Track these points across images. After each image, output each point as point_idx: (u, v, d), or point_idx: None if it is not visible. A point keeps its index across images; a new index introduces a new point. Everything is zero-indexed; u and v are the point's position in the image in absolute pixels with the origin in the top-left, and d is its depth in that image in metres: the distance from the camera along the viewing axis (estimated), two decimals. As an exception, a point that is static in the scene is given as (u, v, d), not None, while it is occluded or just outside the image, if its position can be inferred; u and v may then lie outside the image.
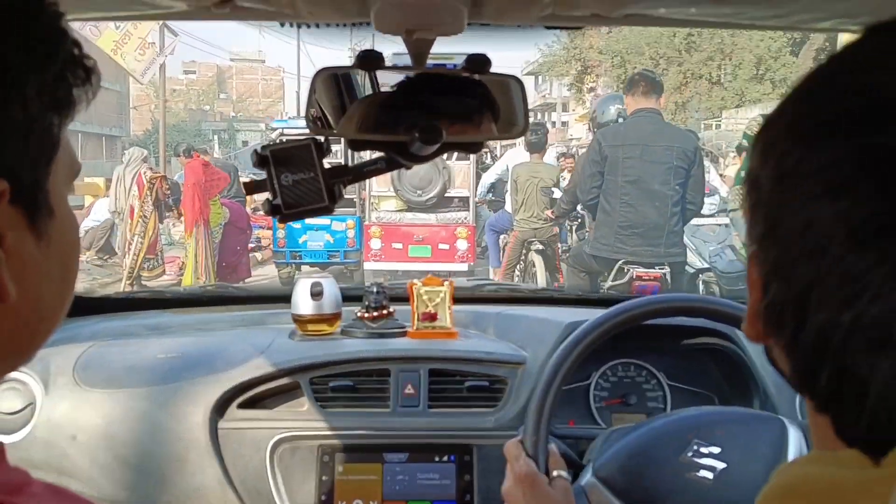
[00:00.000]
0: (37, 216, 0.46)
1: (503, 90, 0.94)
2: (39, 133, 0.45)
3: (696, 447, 0.96)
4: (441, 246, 7.28)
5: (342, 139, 0.97)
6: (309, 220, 7.21)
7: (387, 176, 7.18)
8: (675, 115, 16.98)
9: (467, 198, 7.54)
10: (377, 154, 0.93)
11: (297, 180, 0.85)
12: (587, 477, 1.02)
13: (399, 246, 7.31)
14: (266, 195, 0.86)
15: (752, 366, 1.26)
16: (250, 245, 8.81)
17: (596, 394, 1.36)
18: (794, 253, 0.42)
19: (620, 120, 4.14)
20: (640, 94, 3.71)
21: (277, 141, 0.86)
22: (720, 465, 0.94)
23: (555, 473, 0.97)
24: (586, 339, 1.04)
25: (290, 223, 8.71)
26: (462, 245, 7.25)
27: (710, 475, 0.95)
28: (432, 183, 7.32)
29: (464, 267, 7.31)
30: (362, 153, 0.96)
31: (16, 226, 0.44)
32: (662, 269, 3.62)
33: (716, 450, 0.95)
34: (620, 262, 3.66)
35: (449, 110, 0.91)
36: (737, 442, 0.94)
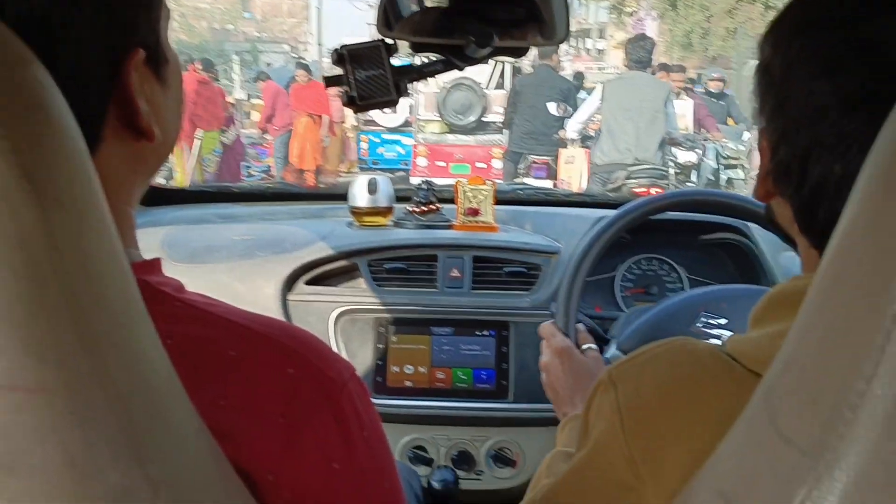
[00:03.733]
0: (160, 69, 0.57)
1: (546, 2, 1.06)
2: (156, 3, 0.56)
3: (705, 319, 1.11)
4: (478, 164, 7.93)
5: (406, 41, 1.09)
6: (385, 136, 9.26)
7: (432, 100, 8.33)
8: (725, 41, 16.05)
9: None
10: (436, 56, 1.06)
11: (369, 76, 0.99)
12: (612, 350, 1.18)
13: (442, 164, 8.07)
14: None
15: (762, 258, 1.40)
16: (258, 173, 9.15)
17: (621, 284, 1.51)
18: (799, 120, 0.55)
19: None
20: (541, 54, 6.11)
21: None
22: (726, 334, 1.09)
23: (584, 346, 1.13)
24: (611, 229, 1.18)
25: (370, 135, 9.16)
26: (496, 164, 7.79)
27: (718, 342, 1.10)
28: (472, 108, 8.22)
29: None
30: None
31: (149, 80, 0.56)
32: (548, 157, 6.07)
33: (723, 321, 1.10)
34: (524, 153, 6.16)
35: (499, 17, 1.03)
36: (740, 313, 1.09)
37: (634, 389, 0.58)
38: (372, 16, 1.02)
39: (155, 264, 0.57)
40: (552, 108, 5.99)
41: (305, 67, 8.94)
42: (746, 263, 1.45)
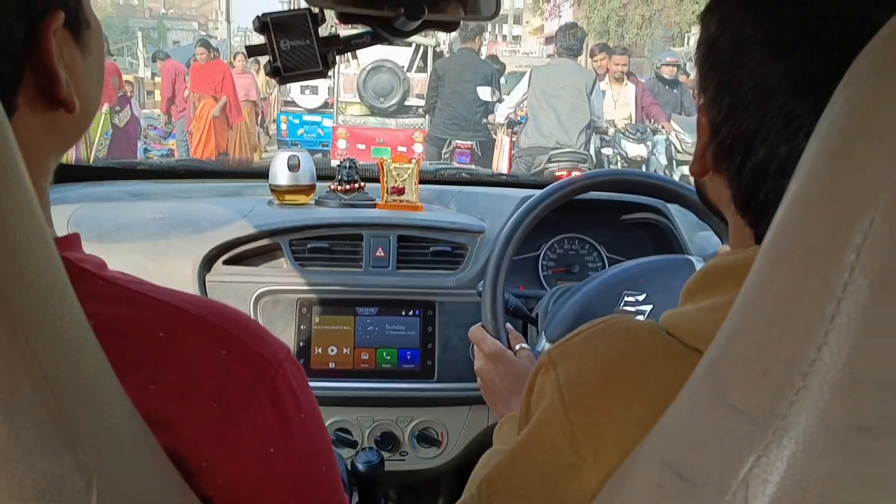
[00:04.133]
0: (80, 32, 0.53)
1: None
2: None
3: (626, 297, 1.13)
4: (400, 148, 7.84)
5: (333, 11, 1.06)
6: (306, 117, 9.11)
7: (352, 82, 8.20)
8: (641, 28, 16.30)
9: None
10: (364, 28, 1.03)
11: (295, 46, 0.95)
12: (542, 343, 1.18)
13: (362, 147, 7.94)
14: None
15: (679, 237, 1.44)
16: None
17: (544, 263, 1.52)
18: (746, 101, 0.55)
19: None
20: (463, 38, 6.01)
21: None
22: (648, 308, 1.11)
23: (517, 347, 1.12)
24: (536, 209, 1.19)
25: (290, 116, 8.91)
26: (418, 148, 7.74)
27: (643, 318, 1.13)
28: (393, 91, 8.15)
29: None
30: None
31: (68, 45, 0.52)
32: (472, 142, 6.01)
33: (641, 296, 1.13)
34: (448, 138, 6.05)
35: (429, -10, 1.01)
36: (657, 286, 1.11)
37: (575, 367, 0.57)
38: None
39: (74, 240, 0.53)
40: (485, 93, 5.94)
41: (206, 44, 8.21)
42: (664, 242, 1.49)
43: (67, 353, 0.38)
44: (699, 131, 0.61)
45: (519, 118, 5.76)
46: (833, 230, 0.35)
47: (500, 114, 5.84)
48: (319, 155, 8.56)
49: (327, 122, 8.86)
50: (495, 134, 6.29)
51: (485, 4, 1.06)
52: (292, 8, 0.96)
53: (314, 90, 9.61)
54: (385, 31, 1.01)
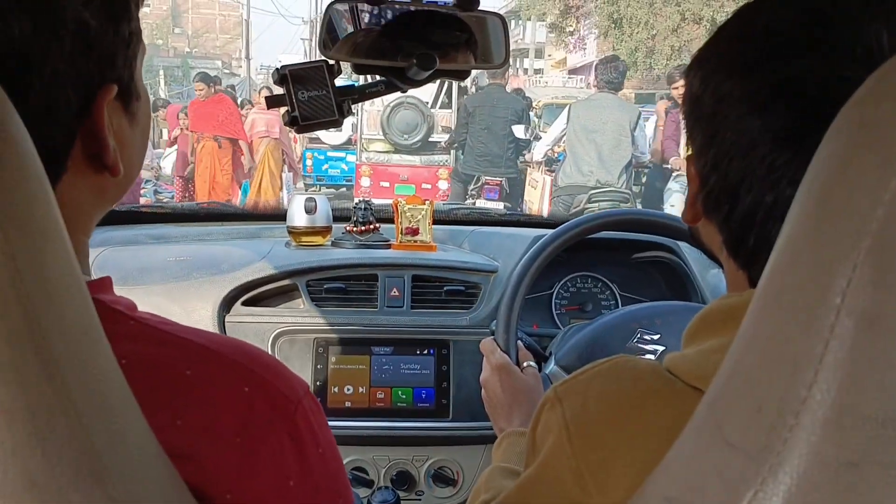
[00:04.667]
0: (130, 103, 0.57)
1: (486, 26, 1.09)
2: (135, 40, 0.56)
3: (639, 335, 1.15)
4: (424, 185, 7.83)
5: (349, 63, 1.10)
6: (330, 153, 9.31)
7: (376, 120, 8.20)
8: (670, 59, 16.13)
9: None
10: (378, 78, 1.07)
11: (312, 96, 0.99)
12: (551, 366, 1.20)
13: (386, 184, 7.94)
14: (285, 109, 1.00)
15: (691, 275, 1.46)
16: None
17: (557, 302, 1.54)
18: (730, 153, 0.58)
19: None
20: (492, 75, 6.08)
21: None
22: (660, 348, 1.13)
23: (525, 364, 1.14)
24: (548, 248, 1.21)
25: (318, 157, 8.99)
26: (443, 185, 7.73)
27: (652, 357, 1.14)
28: (418, 128, 8.12)
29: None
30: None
31: (118, 114, 0.56)
32: (501, 178, 6.04)
33: (656, 336, 1.14)
34: (477, 175, 6.13)
35: (441, 41, 1.06)
36: (672, 328, 1.13)
37: (581, 404, 0.59)
38: (306, 31, 1.03)
39: (106, 282, 0.56)
40: (519, 131, 5.87)
41: (205, 78, 7.39)
42: (676, 280, 1.50)
43: (99, 392, 0.40)
44: (689, 181, 0.64)
45: (556, 155, 5.65)
46: (819, 275, 0.37)
47: (538, 151, 5.75)
48: (344, 189, 8.66)
49: (351, 158, 8.91)
50: (530, 172, 6.25)
51: (495, 53, 1.10)
52: (311, 59, 1.01)
53: (339, 127, 9.62)
54: (398, 81, 1.05)
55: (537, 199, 6.24)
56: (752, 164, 0.56)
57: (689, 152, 0.64)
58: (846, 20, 0.55)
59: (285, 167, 7.85)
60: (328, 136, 9.83)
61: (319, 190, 9.64)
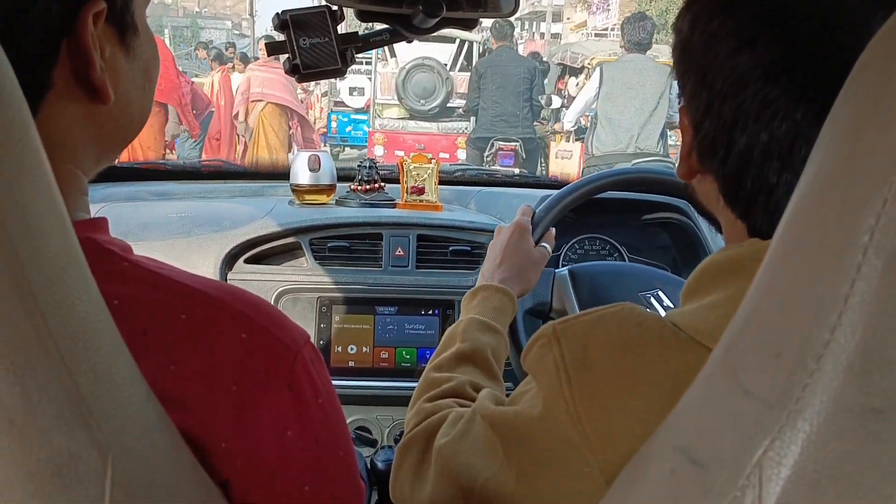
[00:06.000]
0: (126, 34, 0.55)
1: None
2: None
3: (657, 293, 1.13)
4: (442, 155, 7.36)
5: (352, 9, 1.06)
6: (354, 116, 9.01)
7: (390, 83, 7.67)
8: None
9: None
10: (383, 25, 1.03)
11: (314, 44, 0.96)
12: (561, 269, 1.18)
13: (401, 153, 7.45)
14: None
15: (702, 238, 1.43)
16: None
17: (564, 264, 1.52)
18: (722, 93, 0.57)
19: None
20: (496, 37, 5.94)
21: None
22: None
23: (543, 244, 1.12)
24: (555, 208, 1.18)
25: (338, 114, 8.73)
26: (461, 154, 7.27)
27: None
28: (436, 92, 7.59)
29: None
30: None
31: (111, 41, 0.54)
32: (515, 142, 5.75)
33: (671, 305, 1.12)
34: (492, 140, 5.78)
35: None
36: None
37: (582, 347, 0.58)
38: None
39: (101, 223, 0.54)
40: (554, 100, 5.75)
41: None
42: (687, 243, 1.48)
43: (84, 332, 0.38)
44: (682, 133, 0.63)
45: (585, 124, 5.48)
46: (846, 213, 0.35)
47: (568, 119, 5.57)
48: (366, 150, 8.48)
49: (371, 123, 8.80)
50: (556, 143, 6.08)
51: (504, 1, 1.06)
52: (312, 6, 0.97)
53: (360, 91, 9.64)
54: (404, 29, 1.02)
55: (573, 170, 5.91)
56: (744, 102, 0.55)
57: (681, 103, 0.62)
58: None
59: (292, 129, 7.17)
60: (351, 100, 9.81)
61: (343, 150, 9.80)
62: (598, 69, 4.76)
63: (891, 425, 0.34)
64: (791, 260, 0.39)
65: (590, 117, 4.95)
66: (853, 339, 0.34)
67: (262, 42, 7.90)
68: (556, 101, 5.89)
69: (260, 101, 6.92)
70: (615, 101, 4.41)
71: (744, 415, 0.38)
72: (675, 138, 5.69)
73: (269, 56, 0.96)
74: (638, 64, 4.45)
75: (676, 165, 0.66)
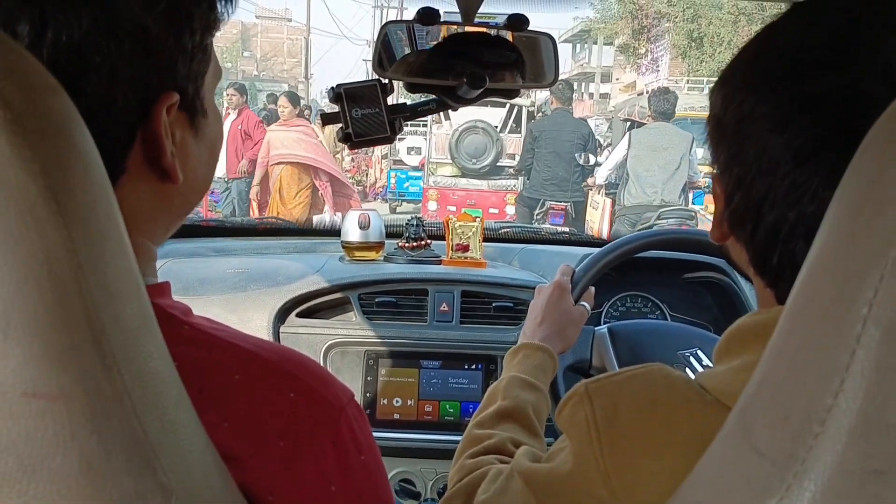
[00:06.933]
0: (195, 117, 0.60)
1: (537, 46, 1.11)
2: (200, 54, 0.59)
3: (695, 352, 1.14)
4: (491, 210, 7.76)
5: (401, 82, 1.13)
6: (411, 173, 9.76)
7: (444, 144, 8.34)
8: None
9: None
10: (430, 96, 1.10)
11: (365, 114, 1.03)
12: (602, 327, 1.21)
13: (453, 209, 7.86)
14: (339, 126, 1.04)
15: (742, 297, 1.44)
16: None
17: (606, 320, 1.54)
18: (753, 172, 0.58)
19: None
20: (557, 99, 6.19)
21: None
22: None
23: (582, 302, 1.15)
24: (598, 264, 1.21)
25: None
26: (510, 210, 7.63)
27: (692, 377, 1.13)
28: (486, 152, 8.18)
29: None
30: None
31: (181, 126, 0.59)
32: (567, 203, 6.13)
33: (709, 364, 1.13)
34: (542, 199, 6.14)
35: (491, 60, 1.08)
36: None
37: (612, 405, 0.60)
38: (368, 52, 1.07)
39: (164, 287, 0.59)
40: (579, 157, 5.95)
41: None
42: (727, 301, 1.49)
43: (153, 386, 0.43)
44: (715, 200, 0.65)
45: (616, 179, 5.78)
46: (847, 285, 0.38)
47: (601, 175, 5.86)
48: (420, 205, 8.88)
49: (425, 180, 9.28)
50: (592, 195, 6.25)
51: (547, 72, 1.12)
52: (367, 79, 1.04)
53: (418, 150, 10.45)
54: (449, 99, 1.08)
55: (597, 220, 6.28)
56: (774, 182, 0.56)
57: (715, 171, 0.64)
58: (868, 37, 0.55)
59: (320, 189, 6.59)
60: (409, 159, 10.66)
61: (401, 204, 10.70)
62: (627, 134, 5.49)
63: (891, 486, 0.37)
64: (799, 328, 0.42)
65: (620, 174, 5.44)
66: (854, 405, 0.37)
67: (319, 113, 8.07)
68: (592, 160, 6.07)
69: (279, 163, 6.52)
70: (642, 160, 5.11)
71: (755, 473, 0.41)
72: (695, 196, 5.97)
73: (323, 126, 1.03)
74: (662, 130, 5.21)
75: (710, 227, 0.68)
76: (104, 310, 0.40)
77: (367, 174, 12.07)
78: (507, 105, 8.87)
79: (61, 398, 0.38)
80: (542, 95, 10.42)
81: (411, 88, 1.10)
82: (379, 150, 11.34)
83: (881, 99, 0.55)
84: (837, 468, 0.37)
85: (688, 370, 1.11)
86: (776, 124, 0.56)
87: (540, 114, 8.16)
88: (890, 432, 0.36)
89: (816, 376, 0.39)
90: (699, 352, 1.13)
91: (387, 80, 1.04)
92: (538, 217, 6.13)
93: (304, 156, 6.62)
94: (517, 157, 7.65)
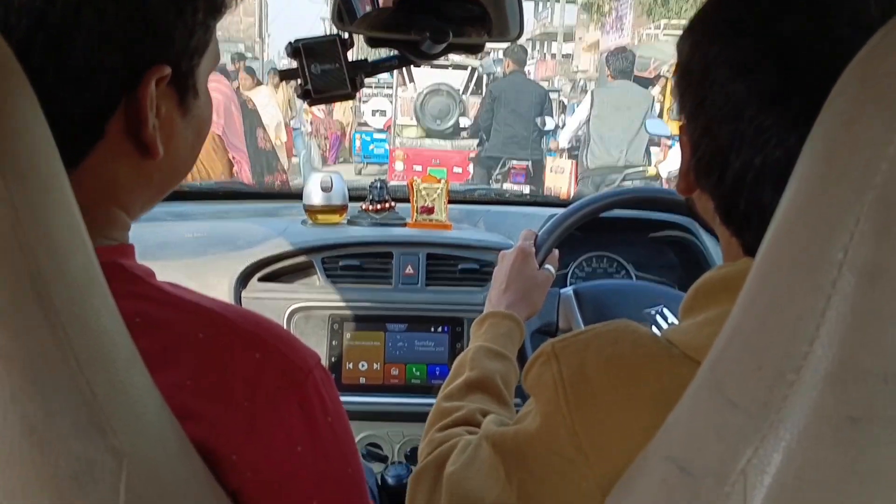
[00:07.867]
0: (185, 96, 0.58)
1: (501, 0, 1.08)
2: (200, 33, 0.57)
3: (661, 310, 1.15)
4: (455, 169, 7.96)
5: (361, 36, 1.10)
6: (376, 136, 10.12)
7: (409, 106, 8.53)
8: None
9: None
10: (392, 52, 1.07)
11: (325, 70, 0.99)
12: (568, 289, 1.21)
13: (419, 168, 8.11)
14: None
15: (707, 255, 1.45)
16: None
17: (572, 281, 1.54)
18: (718, 118, 0.58)
19: None
20: (512, 61, 6.18)
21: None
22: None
23: (547, 265, 1.13)
24: (561, 226, 1.20)
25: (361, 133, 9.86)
26: (473, 168, 7.78)
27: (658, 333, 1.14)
28: (449, 113, 8.38)
29: None
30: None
31: (169, 102, 0.57)
32: (527, 161, 6.10)
33: (675, 322, 1.14)
34: (503, 159, 6.13)
35: (454, 14, 1.05)
36: None
37: (578, 363, 0.59)
38: (325, 10, 1.03)
39: (128, 249, 0.58)
40: (540, 123, 6.05)
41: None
42: (692, 260, 1.49)
43: (102, 345, 0.41)
44: (682, 149, 0.64)
45: (577, 141, 5.87)
46: (821, 230, 0.37)
47: (564, 138, 5.95)
48: (387, 166, 9.06)
49: (391, 141, 9.49)
50: (554, 159, 6.37)
51: (511, 26, 1.09)
52: (325, 34, 1.01)
53: (383, 113, 10.76)
54: (412, 55, 1.05)
55: (565, 184, 6.36)
56: (739, 128, 0.56)
57: (681, 121, 0.64)
58: None
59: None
60: (374, 121, 10.89)
61: (366, 166, 10.83)
62: (589, 94, 5.60)
63: (867, 433, 0.36)
64: (771, 277, 0.41)
65: (582, 135, 5.51)
66: (830, 352, 0.36)
67: (272, 69, 8.18)
68: (550, 123, 6.16)
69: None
70: (605, 120, 5.13)
71: (729, 425, 0.40)
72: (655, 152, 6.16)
73: (280, 81, 1.00)
74: (627, 89, 5.23)
75: (675, 183, 0.68)
76: (47, 265, 0.38)
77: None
78: (469, 68, 9.08)
79: (0, 359, 0.36)
80: (489, 59, 10.71)
81: (373, 43, 1.07)
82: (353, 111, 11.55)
83: (853, 41, 0.55)
84: (813, 416, 0.37)
85: (654, 328, 1.12)
86: (742, 68, 0.56)
87: (490, 77, 8.47)
88: (867, 378, 0.36)
89: (791, 324, 0.38)
90: (665, 309, 1.13)
91: (347, 35, 1.01)
92: (497, 177, 6.22)
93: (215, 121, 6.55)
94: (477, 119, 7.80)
